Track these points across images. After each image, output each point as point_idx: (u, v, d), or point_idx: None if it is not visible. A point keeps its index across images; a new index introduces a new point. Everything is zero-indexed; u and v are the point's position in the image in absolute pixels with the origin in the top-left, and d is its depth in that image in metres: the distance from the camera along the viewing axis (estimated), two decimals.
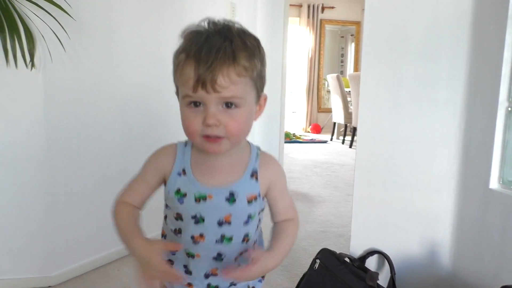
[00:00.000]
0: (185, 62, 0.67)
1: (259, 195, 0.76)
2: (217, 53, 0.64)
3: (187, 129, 0.70)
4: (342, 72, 8.17)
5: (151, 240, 0.71)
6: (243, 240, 0.78)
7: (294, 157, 5.15)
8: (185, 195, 0.73)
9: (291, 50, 6.16)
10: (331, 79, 6.22)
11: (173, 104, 2.36)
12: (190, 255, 0.77)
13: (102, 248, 1.93)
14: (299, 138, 6.73)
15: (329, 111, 7.33)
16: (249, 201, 0.75)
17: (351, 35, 8.23)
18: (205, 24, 0.70)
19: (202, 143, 0.70)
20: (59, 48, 1.63)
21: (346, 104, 6.05)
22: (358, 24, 7.93)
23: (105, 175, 1.91)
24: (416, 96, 1.38)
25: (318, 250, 2.30)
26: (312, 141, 6.57)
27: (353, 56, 8.17)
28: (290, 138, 6.41)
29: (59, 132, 1.74)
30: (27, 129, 1.67)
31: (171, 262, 0.79)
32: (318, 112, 8.01)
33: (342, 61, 8.51)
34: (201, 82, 0.64)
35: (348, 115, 6.03)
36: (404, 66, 1.40)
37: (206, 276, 0.78)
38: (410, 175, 1.42)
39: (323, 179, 3.96)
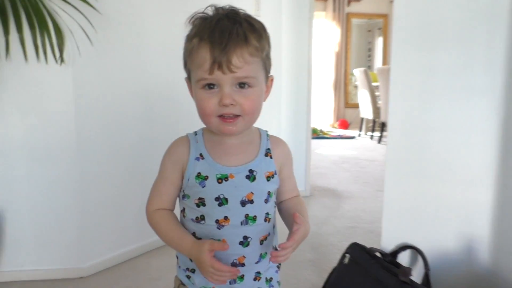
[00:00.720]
0: (199, 46, 0.69)
1: (275, 173, 0.79)
2: (230, 35, 0.67)
3: (204, 111, 0.72)
4: (369, 67, 8.01)
5: (199, 241, 0.73)
6: (265, 220, 0.79)
7: (321, 153, 5.08)
8: (206, 178, 0.74)
9: (317, 45, 6.09)
10: (358, 74, 6.10)
11: None
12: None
13: (132, 241, 1.95)
14: (326, 134, 6.64)
15: (356, 106, 7.19)
16: (268, 178, 0.78)
17: (378, 29, 8.06)
18: (212, 10, 0.73)
19: (218, 125, 0.72)
20: (86, 43, 1.65)
21: (374, 99, 5.93)
22: (385, 17, 7.75)
23: (135, 168, 1.93)
24: (450, 84, 1.32)
25: (346, 245, 2.26)
26: (340, 137, 6.47)
27: (381, 50, 8.00)
28: (317, 134, 6.33)
29: (88, 126, 1.76)
30: (58, 124, 1.70)
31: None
32: (346, 107, 7.88)
33: (369, 56, 8.34)
34: (217, 63, 0.67)
35: (376, 110, 5.91)
36: (437, 52, 1.34)
37: (234, 265, 0.77)
38: (445, 167, 1.35)
39: (352, 175, 3.89)
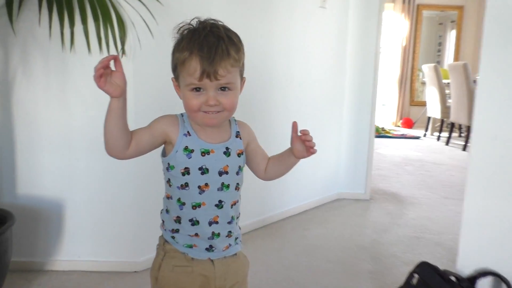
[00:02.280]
0: (190, 58, 0.86)
1: (243, 151, 0.99)
2: (216, 50, 0.85)
3: (191, 108, 0.89)
4: (439, 62, 7.52)
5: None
6: (236, 188, 0.97)
7: (383, 153, 4.83)
8: (192, 151, 0.91)
9: (383, 39, 5.80)
10: (427, 70, 5.74)
11: (256, 87, 2.28)
12: (197, 205, 0.92)
13: None
14: (388, 132, 6.33)
15: (423, 104, 6.79)
16: (238, 155, 0.97)
17: (451, 22, 7.52)
18: (197, 24, 0.89)
19: (202, 118, 0.90)
20: (147, 34, 1.62)
21: (443, 97, 5.54)
22: (460, 8, 7.21)
23: None
24: None
25: (410, 258, 2.10)
26: (403, 136, 6.14)
27: (454, 44, 7.46)
28: (378, 133, 6.04)
29: (147, 120, 1.74)
30: None
31: (179, 218, 0.94)
32: (411, 105, 7.48)
33: (439, 50, 7.85)
34: (206, 73, 0.85)
35: (445, 109, 5.53)
36: None
37: (210, 223, 0.93)
38: None
39: (416, 179, 3.64)
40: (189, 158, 0.91)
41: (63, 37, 1.58)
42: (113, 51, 1.60)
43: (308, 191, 2.70)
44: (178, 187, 0.93)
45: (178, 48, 0.89)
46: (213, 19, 0.91)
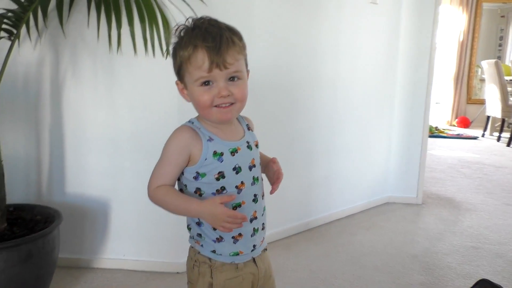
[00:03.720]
0: (195, 51, 0.84)
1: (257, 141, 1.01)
2: (221, 39, 0.84)
3: (203, 104, 0.87)
4: (500, 58, 7.04)
5: (206, 199, 0.87)
6: (262, 179, 0.99)
7: (437, 154, 4.58)
8: (222, 154, 0.89)
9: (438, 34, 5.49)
10: (487, 66, 5.38)
11: (304, 86, 2.21)
12: (237, 206, 0.91)
13: None
14: (442, 132, 6.02)
15: (481, 102, 6.40)
16: (256, 146, 0.99)
17: None
18: (193, 21, 0.88)
19: (217, 113, 0.88)
20: None
21: (505, 95, 5.18)
22: None
23: None
24: None
25: (467, 270, 1.95)
26: (459, 136, 5.81)
27: None
28: (431, 132, 5.75)
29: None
30: (162, 118, 1.70)
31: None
32: (467, 103, 7.06)
33: (500, 45, 7.36)
34: (215, 63, 0.83)
35: (507, 108, 5.18)
36: None
37: (251, 220, 0.93)
38: None
39: (474, 183, 3.41)
40: (221, 162, 0.89)
41: (111, 38, 1.60)
42: (158, 52, 1.60)
43: (354, 194, 2.60)
44: (213, 193, 0.90)
45: (180, 46, 0.87)
46: (208, 16, 0.90)
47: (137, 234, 1.77)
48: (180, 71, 0.90)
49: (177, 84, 0.94)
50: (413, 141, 2.78)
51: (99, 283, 1.68)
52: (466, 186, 3.30)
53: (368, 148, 2.62)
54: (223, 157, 0.89)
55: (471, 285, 1.22)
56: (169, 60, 1.58)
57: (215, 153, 0.89)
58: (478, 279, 1.21)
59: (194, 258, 0.95)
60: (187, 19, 0.89)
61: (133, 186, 1.74)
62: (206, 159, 0.88)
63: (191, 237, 0.97)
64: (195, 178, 0.90)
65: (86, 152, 1.73)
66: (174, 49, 0.90)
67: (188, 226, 0.96)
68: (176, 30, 0.89)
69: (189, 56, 0.85)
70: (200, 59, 0.84)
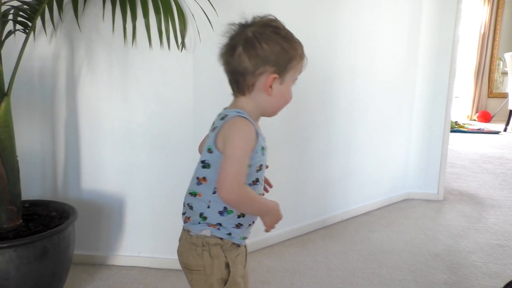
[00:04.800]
0: (303, 54, 0.95)
1: None
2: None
3: (289, 101, 0.97)
4: None
5: (273, 200, 0.96)
6: None
7: (457, 149, 4.47)
8: (263, 148, 0.95)
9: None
10: (510, 58, 5.22)
11: (320, 81, 2.14)
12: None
13: None
14: (462, 127, 5.87)
15: (503, 96, 6.23)
16: None
17: None
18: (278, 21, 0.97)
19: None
20: (207, 27, 1.56)
21: None
22: None
23: None
24: None
25: (493, 269, 1.87)
26: (480, 131, 5.67)
27: None
28: (451, 127, 5.61)
29: (207, 117, 1.68)
30: (177, 112, 1.67)
31: (243, 215, 0.96)
32: (489, 97, 6.87)
33: None
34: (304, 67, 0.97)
35: None
36: None
37: None
38: None
39: (497, 178, 3.31)
40: (263, 155, 0.96)
41: (125, 31, 1.57)
42: (173, 45, 1.56)
43: (373, 190, 2.53)
44: (250, 184, 0.95)
45: (290, 44, 0.93)
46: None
47: (153, 231, 1.75)
48: (288, 65, 0.93)
49: (270, 75, 0.92)
50: (434, 135, 2.71)
51: (114, 280, 1.66)
52: (489, 182, 3.20)
53: (387, 143, 2.55)
54: (265, 152, 0.96)
55: (502, 286, 1.16)
56: (184, 52, 1.57)
57: (262, 148, 0.95)
58: (509, 280, 1.15)
59: (202, 243, 0.95)
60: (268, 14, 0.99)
61: (148, 182, 1.71)
62: (257, 152, 0.93)
63: (202, 224, 0.96)
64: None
65: (101, 147, 1.71)
66: (281, 43, 0.91)
67: (201, 214, 0.96)
68: (282, 29, 0.95)
69: (301, 57, 0.94)
70: (302, 66, 0.96)
